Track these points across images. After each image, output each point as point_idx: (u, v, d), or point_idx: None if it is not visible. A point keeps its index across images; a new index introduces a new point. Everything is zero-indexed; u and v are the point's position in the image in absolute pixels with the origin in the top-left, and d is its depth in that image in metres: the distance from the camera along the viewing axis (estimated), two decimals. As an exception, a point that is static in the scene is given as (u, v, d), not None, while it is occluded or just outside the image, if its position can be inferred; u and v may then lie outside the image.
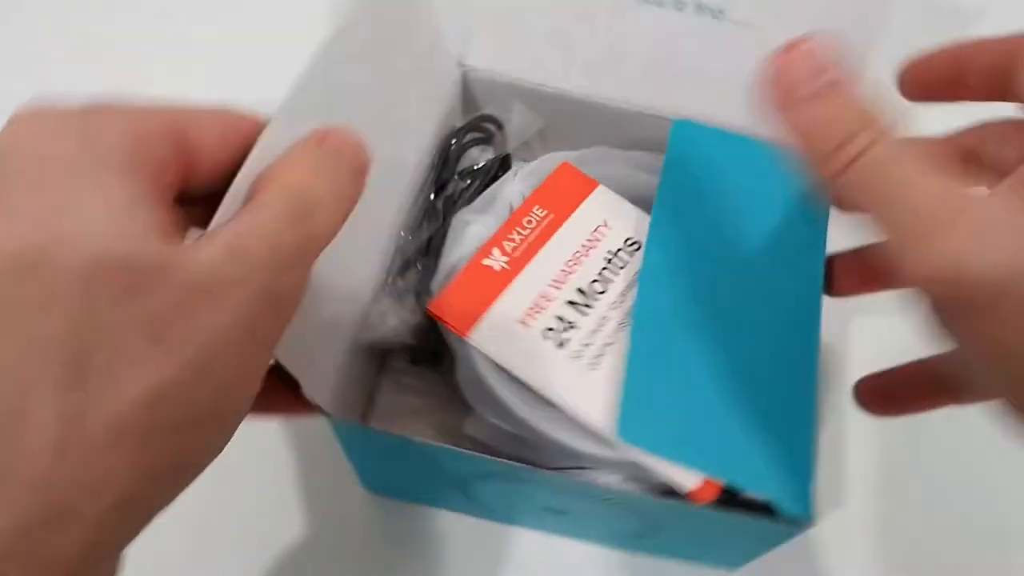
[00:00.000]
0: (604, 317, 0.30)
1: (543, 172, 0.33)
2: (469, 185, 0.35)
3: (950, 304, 0.20)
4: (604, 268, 0.31)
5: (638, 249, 0.31)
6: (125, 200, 0.19)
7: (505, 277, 0.31)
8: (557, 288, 0.30)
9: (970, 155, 0.27)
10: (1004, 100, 0.24)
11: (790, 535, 0.28)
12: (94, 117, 0.20)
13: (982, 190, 0.21)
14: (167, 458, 0.19)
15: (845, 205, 0.22)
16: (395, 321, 0.32)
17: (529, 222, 0.32)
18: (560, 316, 0.30)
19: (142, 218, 0.19)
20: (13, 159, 0.19)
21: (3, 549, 0.17)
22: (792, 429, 0.28)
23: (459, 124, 0.37)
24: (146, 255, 0.19)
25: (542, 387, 0.29)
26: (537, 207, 0.32)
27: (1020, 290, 0.19)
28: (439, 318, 0.31)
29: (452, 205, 0.34)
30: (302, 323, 0.26)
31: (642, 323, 0.28)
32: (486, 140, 0.37)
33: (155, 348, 0.18)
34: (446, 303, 0.30)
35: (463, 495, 0.35)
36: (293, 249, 0.21)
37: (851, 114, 0.21)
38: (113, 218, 0.19)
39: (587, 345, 0.29)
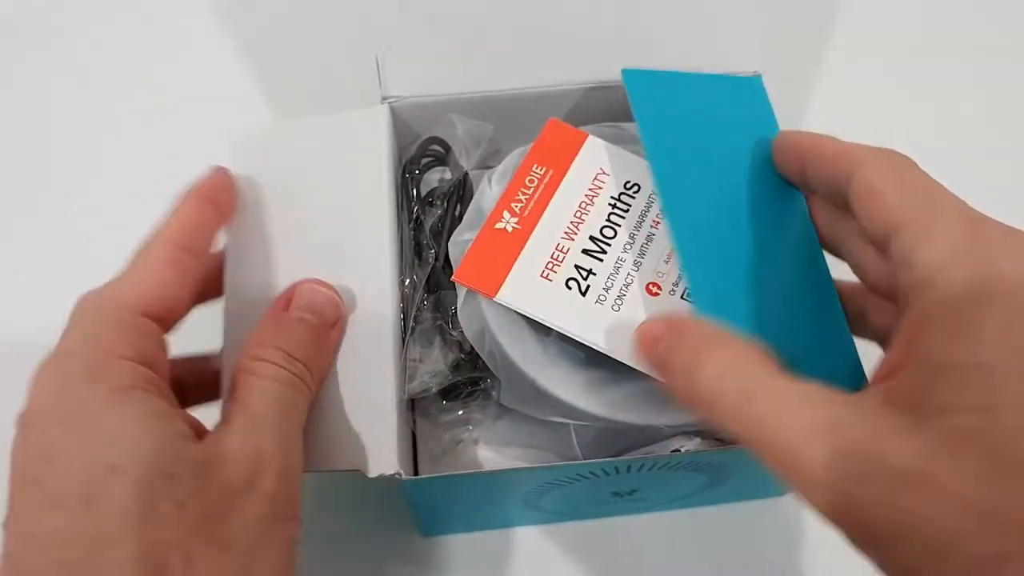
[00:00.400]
0: (619, 259, 0.31)
1: (513, 168, 0.33)
2: (444, 209, 0.35)
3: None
4: (611, 214, 0.32)
5: (639, 191, 0.33)
6: (149, 422, 0.22)
7: (519, 237, 0.31)
8: (570, 239, 0.31)
9: (857, 315, 0.29)
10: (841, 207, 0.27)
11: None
12: (92, 362, 0.23)
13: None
14: None
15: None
16: (429, 367, 0.31)
17: (531, 181, 0.32)
18: (578, 265, 0.31)
19: (169, 431, 0.23)
20: (46, 419, 0.23)
21: None
22: (830, 323, 0.30)
23: (407, 156, 0.36)
24: (185, 460, 0.22)
25: (577, 335, 0.29)
26: (535, 166, 0.33)
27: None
28: (465, 285, 0.31)
29: (439, 233, 0.34)
30: (349, 411, 0.29)
31: (689, 257, 0.28)
32: (440, 162, 0.36)
33: (212, 547, 0.22)
34: (468, 271, 0.31)
35: (526, 509, 0.35)
36: (293, 433, 0.25)
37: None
38: (148, 440, 0.22)
39: (608, 289, 0.30)
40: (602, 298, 0.30)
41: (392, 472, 0.28)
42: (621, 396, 0.30)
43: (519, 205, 0.32)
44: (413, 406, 0.35)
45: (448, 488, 0.31)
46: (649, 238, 0.32)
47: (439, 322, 0.32)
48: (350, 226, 0.32)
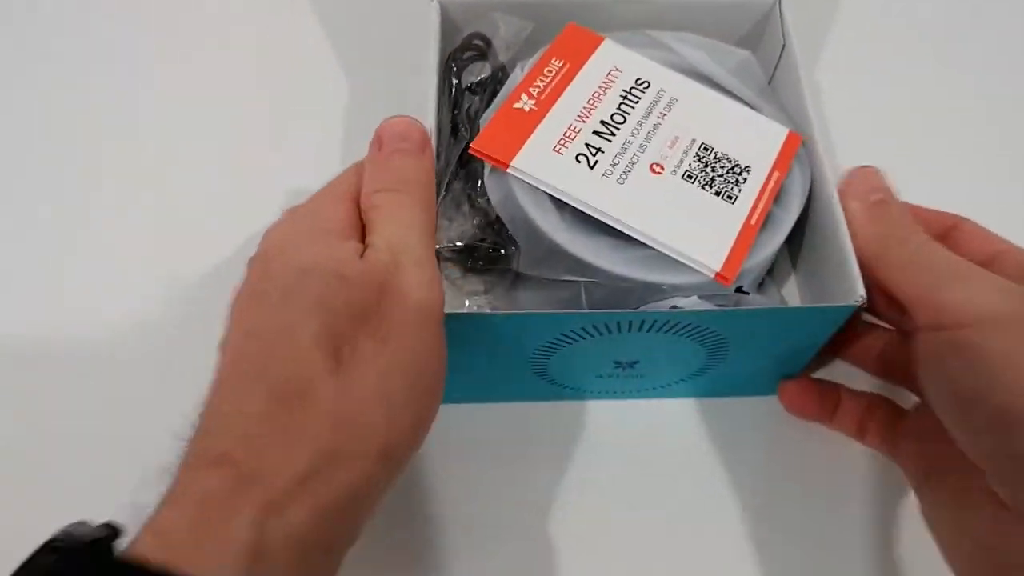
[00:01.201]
0: (627, 141, 0.35)
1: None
2: (481, 96, 0.38)
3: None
4: (621, 103, 0.36)
5: (648, 87, 0.37)
6: (345, 249, 0.29)
7: (535, 116, 0.35)
8: (582, 122, 0.36)
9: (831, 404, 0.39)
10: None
11: (845, 314, 0.33)
12: (314, 213, 0.31)
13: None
14: (407, 420, 0.27)
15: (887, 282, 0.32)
16: (457, 225, 0.35)
17: (549, 71, 0.37)
18: (588, 143, 0.35)
19: (348, 247, 0.29)
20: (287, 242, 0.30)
21: (302, 475, 0.24)
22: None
23: (451, 48, 0.40)
24: (353, 265, 0.28)
25: (581, 200, 0.34)
26: (554, 59, 0.37)
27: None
28: (481, 154, 0.35)
29: (473, 118, 0.37)
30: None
31: None
32: (481, 57, 0.40)
33: (372, 339, 0.27)
34: (485, 142, 0.35)
35: (534, 376, 0.38)
36: (425, 226, 0.31)
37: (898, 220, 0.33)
38: (339, 256, 0.28)
39: (615, 165, 0.35)
40: (608, 172, 0.34)
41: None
42: (628, 257, 0.33)
43: (536, 90, 0.36)
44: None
45: (460, 332, 0.34)
46: (656, 126, 0.36)
47: (468, 191, 0.36)
48: (398, 107, 0.35)
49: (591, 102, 0.36)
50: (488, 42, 0.40)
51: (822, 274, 0.37)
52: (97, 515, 0.33)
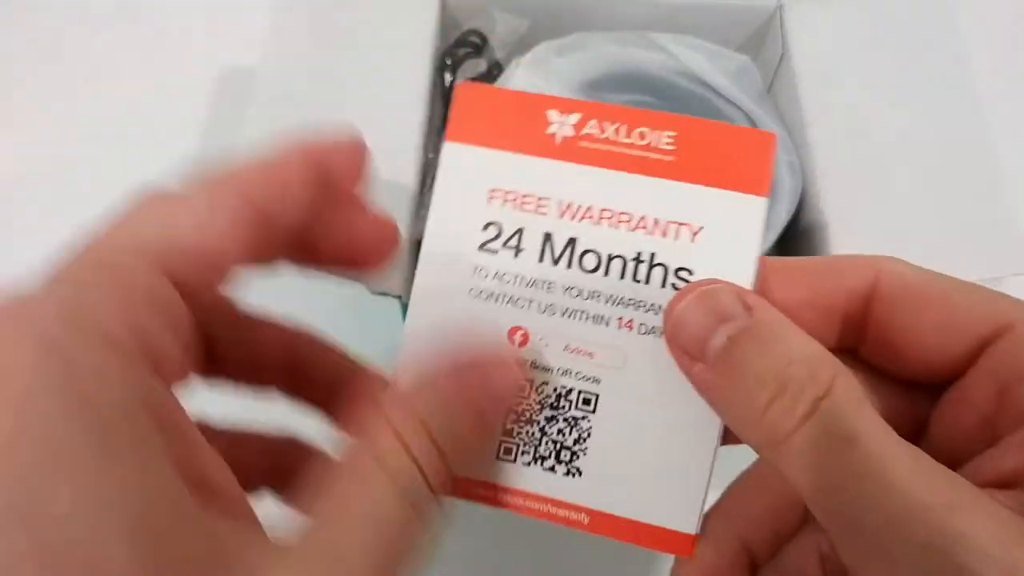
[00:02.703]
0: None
1: (540, 59, 0.36)
2: (474, 92, 0.38)
3: None
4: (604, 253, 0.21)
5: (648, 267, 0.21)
6: (139, 480, 0.14)
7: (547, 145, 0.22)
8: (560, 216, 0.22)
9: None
10: None
11: None
12: (67, 356, 0.14)
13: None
14: None
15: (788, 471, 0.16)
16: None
17: (641, 135, 0.21)
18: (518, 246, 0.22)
19: (175, 507, 0.14)
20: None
21: None
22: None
23: (447, 44, 0.39)
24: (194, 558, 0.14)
25: None
26: (669, 133, 0.21)
27: None
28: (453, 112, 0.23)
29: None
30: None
31: None
32: (476, 53, 0.40)
33: None
34: (473, 95, 0.23)
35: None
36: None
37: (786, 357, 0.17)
38: (136, 524, 0.13)
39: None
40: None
41: (396, 294, 0.31)
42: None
43: (591, 130, 0.22)
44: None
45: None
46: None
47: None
48: (391, 100, 0.35)
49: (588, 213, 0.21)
50: (484, 39, 0.40)
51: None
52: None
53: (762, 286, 0.20)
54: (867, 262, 0.19)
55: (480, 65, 0.40)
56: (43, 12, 0.51)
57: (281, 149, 0.20)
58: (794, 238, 0.37)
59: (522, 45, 0.39)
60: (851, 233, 0.34)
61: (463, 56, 0.39)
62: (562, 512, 0.21)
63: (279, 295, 0.38)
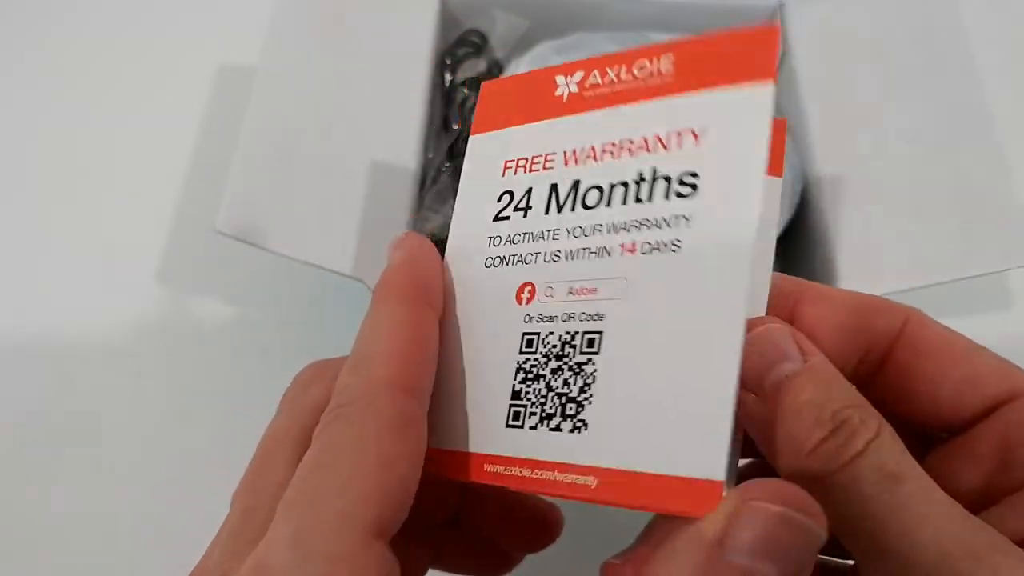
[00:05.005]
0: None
1: (540, 59, 0.36)
2: (475, 91, 0.38)
3: None
4: (622, 184, 0.20)
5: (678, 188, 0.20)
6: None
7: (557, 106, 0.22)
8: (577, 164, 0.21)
9: None
10: None
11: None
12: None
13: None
14: None
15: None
16: (438, 222, 0.35)
17: (641, 68, 0.20)
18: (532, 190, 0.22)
19: None
20: None
21: None
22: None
23: (448, 43, 0.39)
24: None
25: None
26: (668, 57, 0.20)
27: None
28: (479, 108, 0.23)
29: (468, 113, 0.37)
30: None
31: None
32: (476, 53, 0.40)
33: None
34: (493, 89, 0.23)
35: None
36: None
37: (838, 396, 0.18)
38: None
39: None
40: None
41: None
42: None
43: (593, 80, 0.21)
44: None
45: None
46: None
47: (455, 186, 0.35)
48: (392, 98, 0.35)
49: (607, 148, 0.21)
50: (484, 39, 0.40)
51: (810, 278, 0.36)
52: (94, 510, 0.34)
53: (795, 309, 0.20)
54: (899, 308, 0.20)
55: (480, 65, 0.40)
56: (43, 12, 0.51)
57: (389, 297, 0.20)
58: (794, 238, 0.37)
59: (522, 45, 0.39)
60: (851, 233, 0.34)
61: (463, 56, 0.39)
62: (569, 478, 0.18)
63: (279, 295, 0.38)
